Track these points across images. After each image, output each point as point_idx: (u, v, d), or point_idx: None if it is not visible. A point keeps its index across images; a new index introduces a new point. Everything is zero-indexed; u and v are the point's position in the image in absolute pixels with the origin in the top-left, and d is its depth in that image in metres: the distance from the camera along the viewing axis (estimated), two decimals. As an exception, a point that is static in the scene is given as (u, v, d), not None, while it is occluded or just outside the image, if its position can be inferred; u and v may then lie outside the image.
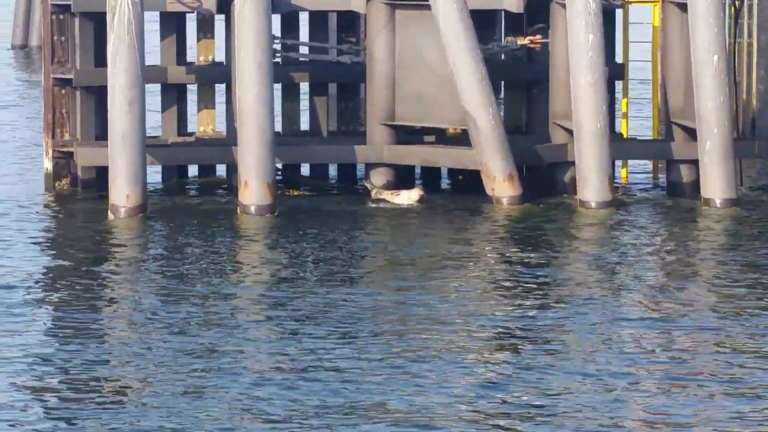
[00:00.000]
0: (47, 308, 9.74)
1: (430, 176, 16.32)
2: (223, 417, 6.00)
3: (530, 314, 9.33)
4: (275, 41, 15.04)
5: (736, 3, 15.18)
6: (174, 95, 15.94)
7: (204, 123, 16.04)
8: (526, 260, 11.77)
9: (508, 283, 10.81)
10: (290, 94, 16.62)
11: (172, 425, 5.80)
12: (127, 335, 8.49)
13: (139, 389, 6.71)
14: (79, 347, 7.87)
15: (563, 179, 14.91)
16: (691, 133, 14.73)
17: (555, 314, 9.29)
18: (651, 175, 16.94)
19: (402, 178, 15.22)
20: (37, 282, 10.86)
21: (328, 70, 16.19)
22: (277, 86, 15.19)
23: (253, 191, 13.85)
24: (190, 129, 16.45)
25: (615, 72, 15.60)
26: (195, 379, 6.97)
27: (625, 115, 16.48)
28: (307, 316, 8.98)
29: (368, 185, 14.97)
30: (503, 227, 13.61)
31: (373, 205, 14.69)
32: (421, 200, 14.60)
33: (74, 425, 5.80)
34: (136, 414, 6.00)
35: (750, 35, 15.64)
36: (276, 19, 15.10)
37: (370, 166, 15.34)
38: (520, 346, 8.26)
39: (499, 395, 6.78)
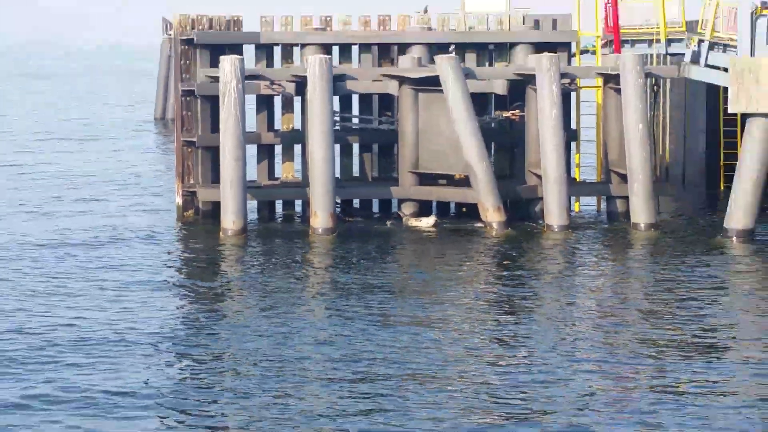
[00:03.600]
0: (180, 298, 12.12)
1: (442, 208, 18.31)
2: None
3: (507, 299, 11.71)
4: (335, 115, 17.03)
5: (654, 87, 17.54)
6: (266, 152, 17.91)
7: (286, 171, 18.07)
8: (508, 265, 14.15)
9: (494, 279, 13.32)
10: (346, 151, 18.60)
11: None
12: (235, 313, 10.95)
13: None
14: (210, 326, 10.16)
15: (535, 210, 16.96)
16: (624, 178, 16.69)
17: (527, 301, 11.65)
18: (596, 207, 18.55)
19: (423, 208, 17.33)
20: (171, 277, 13.38)
21: (372, 134, 18.36)
22: (337, 146, 16.93)
23: (320, 219, 15.79)
24: (276, 175, 18.30)
25: (571, 135, 17.57)
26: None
27: (578, 165, 18.40)
28: (364, 307, 10.94)
29: (400, 214, 17.24)
30: (492, 244, 15.74)
31: (404, 227, 16.80)
32: (435, 225, 16.65)
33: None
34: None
35: (664, 110, 17.93)
36: (336, 99, 17.09)
37: (401, 201, 17.51)
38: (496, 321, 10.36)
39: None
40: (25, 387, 7.32)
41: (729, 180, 16.91)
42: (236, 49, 17.08)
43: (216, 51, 16.88)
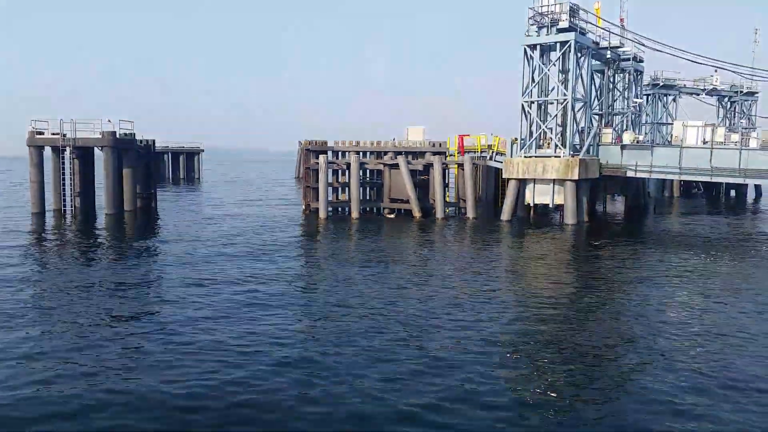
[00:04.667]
0: (304, 248, 37.24)
1: (401, 211, 43.82)
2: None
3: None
4: (361, 178, 43.68)
5: (477, 167, 43.86)
6: (333, 190, 44.33)
7: (342, 196, 44.42)
8: (421, 231, 39.66)
9: (417, 238, 38.75)
10: (365, 190, 44.78)
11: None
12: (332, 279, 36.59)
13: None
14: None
15: (432, 212, 42.52)
16: (464, 201, 42.97)
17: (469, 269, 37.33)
18: (455, 210, 44.81)
19: (391, 211, 43.24)
20: (301, 233, 38.28)
21: (374, 184, 44.60)
22: (361, 188, 43.38)
23: (354, 214, 41.93)
24: (339, 197, 44.59)
25: (446, 186, 43.81)
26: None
27: (448, 196, 44.38)
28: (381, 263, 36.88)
29: (384, 213, 43.18)
30: (417, 224, 40.70)
31: (385, 218, 42.28)
32: (395, 217, 42.38)
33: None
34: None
35: (481, 176, 44.32)
36: (361, 172, 43.82)
37: (384, 208, 43.50)
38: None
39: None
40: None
41: (501, 202, 43.01)
42: (324, 152, 43.39)
43: (317, 153, 43.27)
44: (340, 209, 44.23)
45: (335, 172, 44.69)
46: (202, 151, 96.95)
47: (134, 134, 44.51)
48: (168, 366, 13.47)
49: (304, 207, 44.06)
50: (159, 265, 24.66)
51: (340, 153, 44.36)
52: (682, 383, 12.75)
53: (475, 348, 14.70)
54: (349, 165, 42.11)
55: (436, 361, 13.79)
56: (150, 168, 46.53)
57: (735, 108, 68.51)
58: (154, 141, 47.36)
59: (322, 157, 41.69)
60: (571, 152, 40.11)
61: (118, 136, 42.14)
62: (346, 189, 44.25)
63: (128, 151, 43.00)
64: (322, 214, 41.13)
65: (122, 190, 42.83)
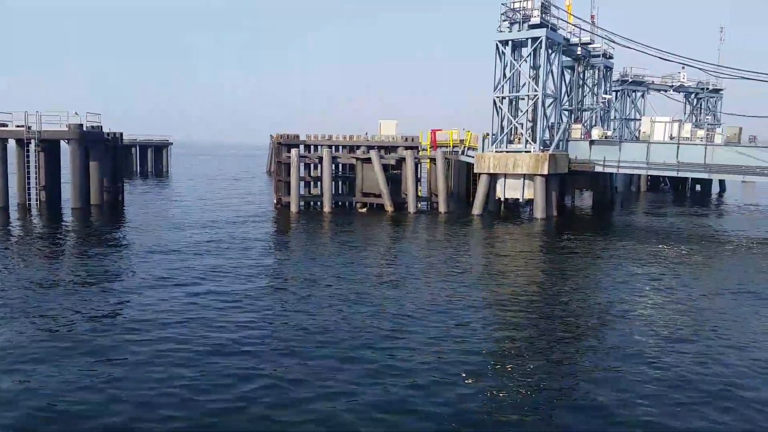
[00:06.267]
0: (274, 239, 37.49)
1: (373, 205, 44.08)
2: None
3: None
4: (333, 171, 43.82)
5: (447, 161, 44.27)
6: (306, 184, 44.48)
7: (314, 190, 44.49)
8: (392, 223, 39.97)
9: (388, 228, 39.05)
10: (337, 184, 44.99)
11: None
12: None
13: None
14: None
15: (405, 205, 42.98)
16: (436, 195, 43.35)
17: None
18: (427, 204, 45.25)
19: (364, 205, 43.45)
20: (270, 227, 38.49)
21: (347, 178, 44.76)
22: (334, 182, 43.54)
23: (326, 208, 42.08)
24: (310, 192, 44.68)
25: (418, 180, 44.31)
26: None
27: (420, 191, 44.93)
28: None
29: (357, 207, 43.36)
30: (389, 217, 41.07)
31: (357, 212, 42.48)
32: (367, 210, 42.60)
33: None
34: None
35: (452, 171, 44.75)
36: (333, 166, 43.87)
37: (356, 202, 43.67)
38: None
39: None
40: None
41: (473, 196, 43.52)
42: (296, 146, 43.34)
43: (289, 147, 43.20)
44: (312, 203, 44.21)
45: (307, 166, 44.63)
46: (171, 144, 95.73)
47: (101, 127, 43.82)
48: (130, 367, 13.31)
49: (275, 201, 43.97)
50: (124, 262, 24.39)
51: (312, 147, 44.33)
52: (648, 372, 13.25)
53: (446, 343, 15.01)
54: (321, 159, 42.12)
55: (408, 357, 14.06)
56: (117, 161, 45.87)
57: (701, 105, 70.16)
58: (121, 134, 46.65)
59: (294, 151, 41.59)
60: (541, 147, 40.78)
61: (84, 128, 41.46)
62: (318, 183, 44.18)
63: (95, 144, 42.33)
64: (293, 209, 41.06)
65: (89, 184, 42.19)
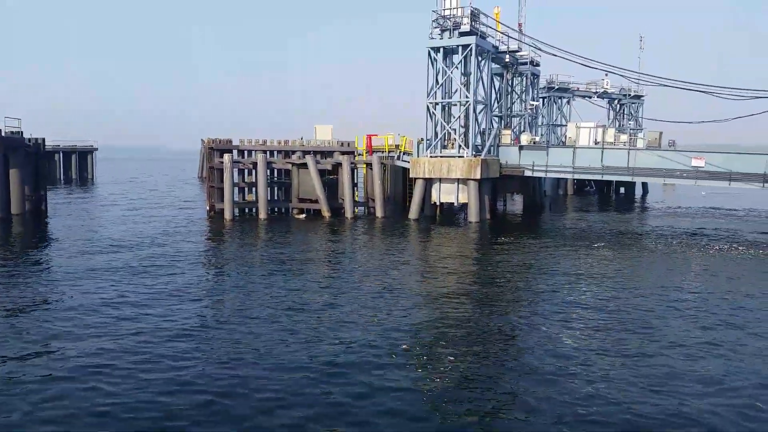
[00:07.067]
0: (207, 247, 36.72)
1: (310, 211, 43.91)
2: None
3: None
4: (268, 177, 43.29)
5: (384, 167, 44.60)
6: (240, 190, 43.63)
7: (249, 196, 43.73)
8: (331, 229, 39.80)
9: (324, 232, 38.93)
10: (273, 189, 44.37)
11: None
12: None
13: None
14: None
15: (342, 211, 42.94)
16: (372, 200, 43.56)
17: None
18: (364, 209, 45.41)
19: (304, 212, 43.16)
20: (204, 235, 37.71)
21: (282, 184, 44.21)
22: (269, 188, 42.97)
23: (262, 215, 41.49)
24: (245, 198, 43.90)
25: (354, 185, 44.46)
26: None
27: (357, 196, 45.21)
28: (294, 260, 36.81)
29: (293, 213, 42.97)
30: (326, 223, 40.94)
31: (294, 218, 42.17)
32: (305, 217, 42.42)
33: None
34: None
35: (389, 175, 45.13)
36: (268, 171, 43.28)
37: (293, 208, 43.30)
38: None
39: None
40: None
41: (409, 200, 43.99)
42: (229, 151, 42.56)
43: (221, 152, 42.35)
44: (247, 210, 43.50)
45: (241, 172, 43.91)
46: (96, 149, 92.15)
47: (21, 132, 41.74)
48: (50, 394, 12.57)
49: (208, 208, 42.97)
50: (46, 276, 23.25)
51: (246, 152, 43.66)
52: (577, 365, 13.77)
53: (382, 344, 15.12)
54: (255, 164, 41.54)
55: (344, 362, 14.07)
56: (39, 168, 43.76)
57: (624, 110, 73.53)
58: (43, 139, 44.53)
59: (227, 156, 40.84)
60: (474, 153, 41.72)
61: (3, 134, 39.37)
62: (253, 189, 43.53)
63: (15, 150, 40.26)
64: (227, 216, 40.28)
65: (9, 192, 40.11)
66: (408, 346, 15.22)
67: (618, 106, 73.12)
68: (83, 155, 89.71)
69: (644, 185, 74.22)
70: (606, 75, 66.89)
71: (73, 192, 65.48)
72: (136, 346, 14.98)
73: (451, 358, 14.50)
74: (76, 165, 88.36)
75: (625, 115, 73.42)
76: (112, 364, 13.85)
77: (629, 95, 71.68)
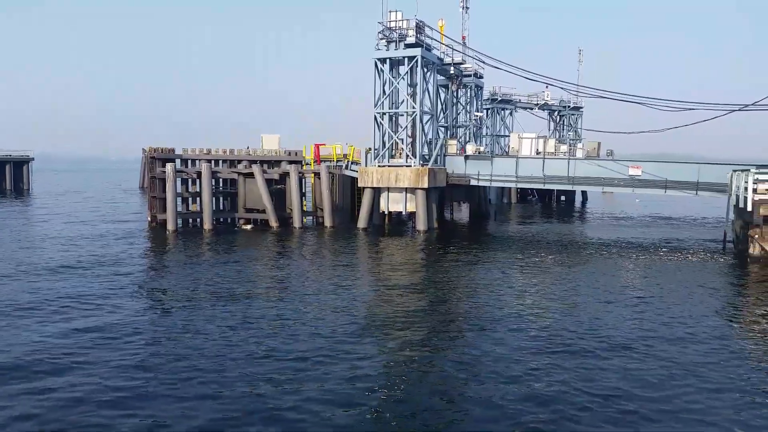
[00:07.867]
0: (149, 256, 35.65)
1: (257, 221, 43.06)
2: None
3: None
4: (213, 187, 42.25)
5: (332, 176, 44.33)
6: (183, 200, 42.40)
7: (193, 206, 42.57)
8: (279, 239, 39.16)
9: (272, 243, 38.21)
10: (218, 200, 43.25)
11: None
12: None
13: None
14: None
15: (290, 221, 42.29)
16: (321, 210, 43.12)
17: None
18: (312, 219, 44.92)
19: (251, 222, 42.33)
20: (144, 246, 36.60)
21: (228, 194, 43.23)
22: (214, 198, 41.95)
23: (207, 226, 40.47)
24: (189, 208, 42.68)
25: (302, 195, 44.03)
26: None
27: (305, 205, 44.68)
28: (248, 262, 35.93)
29: (239, 224, 42.07)
30: (274, 233, 40.30)
31: (240, 229, 41.29)
32: (252, 228, 41.59)
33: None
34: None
35: (337, 185, 44.87)
36: (213, 181, 42.27)
37: (239, 218, 42.42)
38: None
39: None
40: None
41: (358, 210, 43.82)
42: (172, 160, 41.33)
43: (164, 161, 41.09)
44: (191, 221, 42.29)
45: (185, 182, 42.70)
46: (32, 159, 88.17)
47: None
48: None
49: (150, 219, 41.49)
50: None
51: (189, 161, 42.51)
52: (518, 370, 13.85)
53: (334, 357, 14.81)
54: (200, 174, 40.48)
55: (293, 376, 13.71)
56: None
57: (563, 121, 75.60)
58: (-27, 148, 42.30)
59: (169, 166, 39.63)
60: (421, 162, 41.94)
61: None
62: (198, 199, 42.37)
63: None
64: (170, 227, 39.01)
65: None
66: (358, 354, 14.96)
67: (558, 117, 75.11)
68: (18, 165, 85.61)
69: (584, 193, 76.40)
70: (547, 87, 68.67)
71: (8, 203, 62.32)
72: (69, 363, 14.17)
73: (398, 368, 14.32)
74: (11, 175, 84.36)
75: (564, 126, 75.49)
76: (44, 386, 13.05)
77: (569, 107, 73.76)
